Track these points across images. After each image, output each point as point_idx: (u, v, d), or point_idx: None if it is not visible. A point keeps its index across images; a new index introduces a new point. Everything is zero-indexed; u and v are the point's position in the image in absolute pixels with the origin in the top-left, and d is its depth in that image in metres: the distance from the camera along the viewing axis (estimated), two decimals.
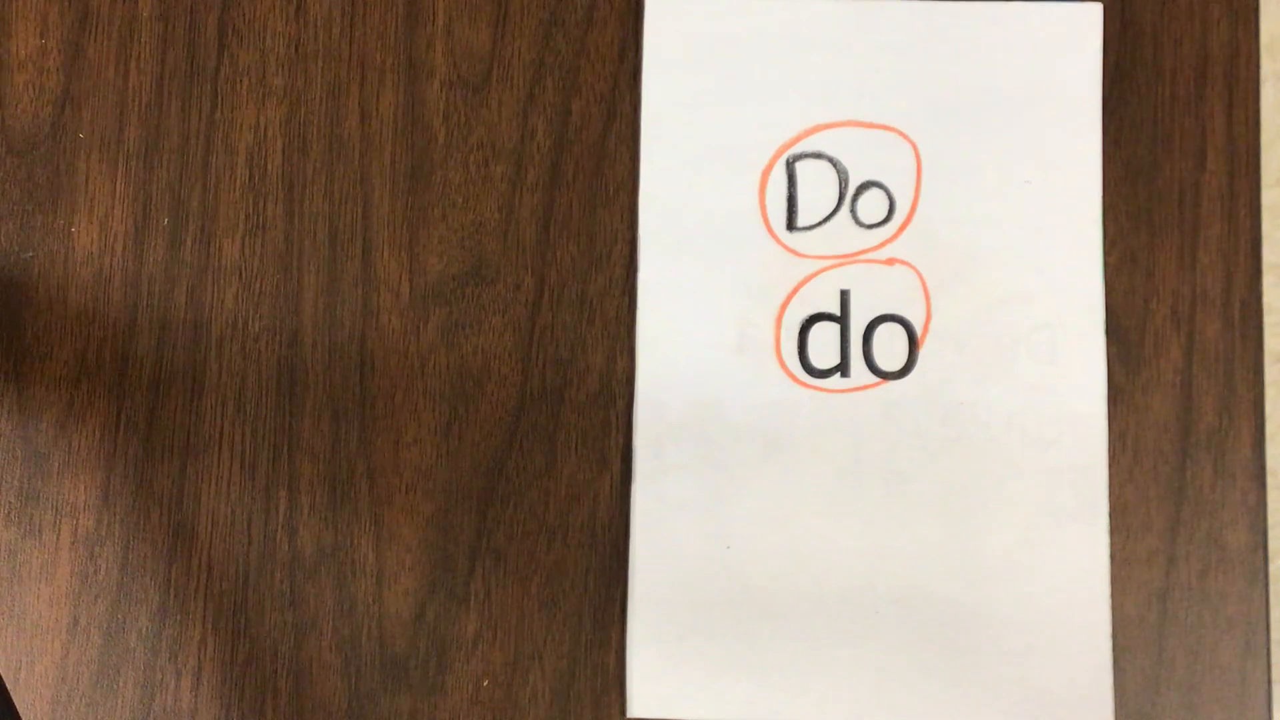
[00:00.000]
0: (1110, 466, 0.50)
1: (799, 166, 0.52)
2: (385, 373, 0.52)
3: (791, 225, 0.52)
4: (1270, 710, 0.50)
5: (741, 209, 0.52)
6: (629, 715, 0.50)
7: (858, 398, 0.51)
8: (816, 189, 0.52)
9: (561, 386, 0.51)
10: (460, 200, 0.52)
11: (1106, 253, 0.51)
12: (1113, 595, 0.50)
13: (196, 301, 0.52)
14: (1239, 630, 0.50)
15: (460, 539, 0.51)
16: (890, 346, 0.51)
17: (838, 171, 0.52)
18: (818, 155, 0.52)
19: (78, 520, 0.51)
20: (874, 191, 0.52)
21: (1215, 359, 0.51)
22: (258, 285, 0.52)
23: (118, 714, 0.50)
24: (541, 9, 0.53)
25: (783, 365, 0.51)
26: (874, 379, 0.51)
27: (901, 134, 0.52)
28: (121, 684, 0.51)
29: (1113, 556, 0.50)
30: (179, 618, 0.51)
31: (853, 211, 0.52)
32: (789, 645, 0.50)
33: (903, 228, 0.52)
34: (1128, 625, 0.50)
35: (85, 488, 0.51)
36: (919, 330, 0.51)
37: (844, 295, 0.51)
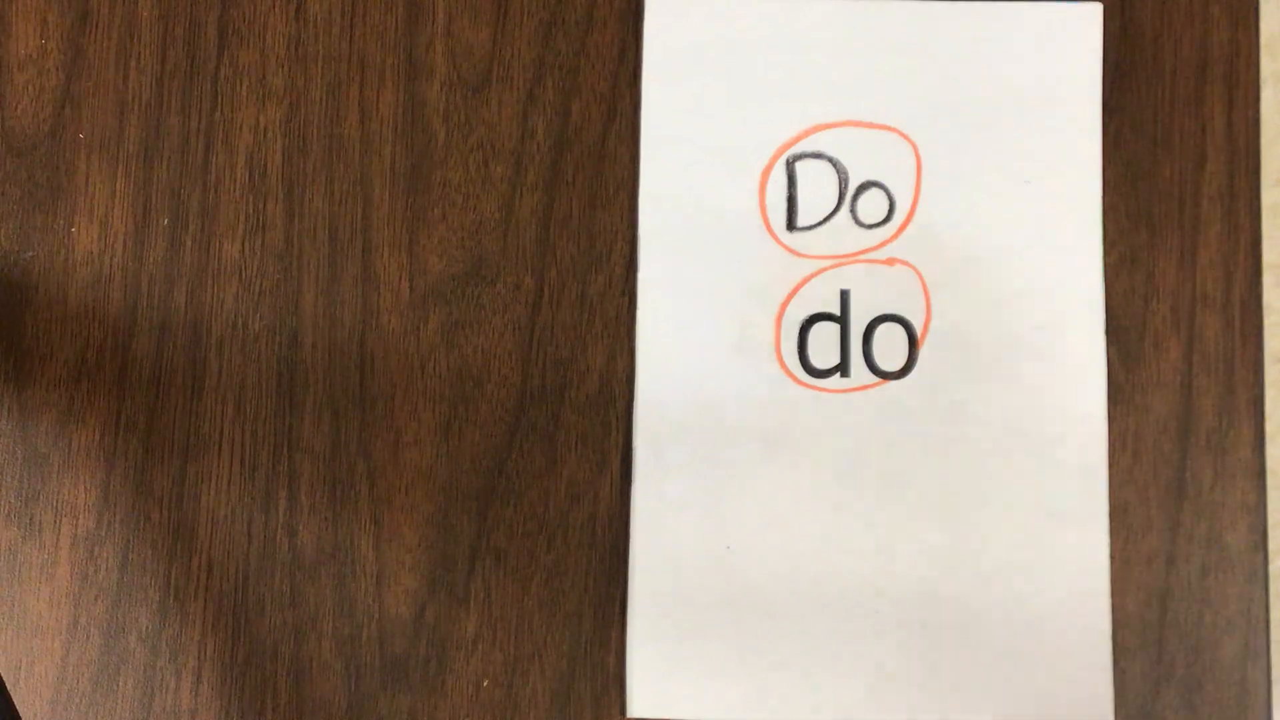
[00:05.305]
0: (1110, 466, 0.50)
1: (799, 166, 0.52)
2: (385, 373, 0.52)
3: (791, 225, 0.52)
4: (1270, 710, 0.50)
5: (741, 209, 0.52)
6: (629, 715, 0.50)
7: (857, 398, 0.51)
8: (816, 189, 0.52)
9: (561, 386, 0.51)
10: (460, 200, 0.52)
11: (1106, 253, 0.51)
12: (1113, 595, 0.50)
13: (196, 301, 0.52)
14: (1239, 630, 0.50)
15: (460, 539, 0.51)
16: (890, 346, 0.51)
17: (838, 171, 0.52)
18: (818, 155, 0.52)
19: (78, 520, 0.51)
20: (874, 191, 0.52)
21: (1215, 359, 0.51)
22: (258, 285, 0.52)
23: (118, 714, 0.50)
24: (541, 9, 0.53)
25: (783, 365, 0.51)
26: (874, 379, 0.51)
27: (901, 134, 0.52)
28: (121, 684, 0.51)
29: (1113, 556, 0.50)
30: (179, 618, 0.51)
31: (853, 211, 0.52)
32: (789, 645, 0.50)
33: (903, 228, 0.52)
34: (1128, 625, 0.50)
35: (85, 488, 0.51)
36: (919, 330, 0.51)
37: (844, 295, 0.51)
